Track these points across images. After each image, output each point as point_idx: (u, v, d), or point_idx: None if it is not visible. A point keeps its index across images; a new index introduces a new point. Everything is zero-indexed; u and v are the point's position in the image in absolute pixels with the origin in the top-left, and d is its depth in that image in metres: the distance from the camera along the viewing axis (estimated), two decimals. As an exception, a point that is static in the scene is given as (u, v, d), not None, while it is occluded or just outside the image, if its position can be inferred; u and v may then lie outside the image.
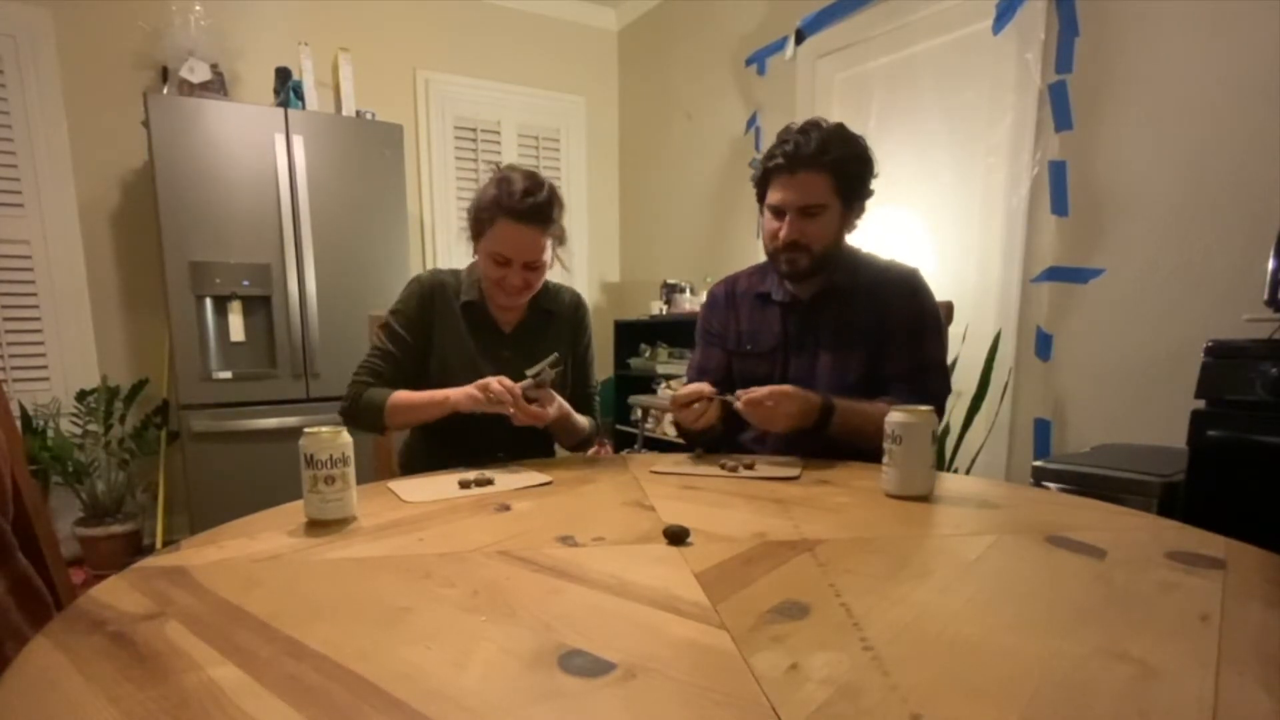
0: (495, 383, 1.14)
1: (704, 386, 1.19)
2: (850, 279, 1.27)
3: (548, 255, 1.27)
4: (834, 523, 0.81)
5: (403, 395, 1.25)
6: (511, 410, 1.14)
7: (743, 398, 1.14)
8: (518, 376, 1.18)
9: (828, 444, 1.20)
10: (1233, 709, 0.41)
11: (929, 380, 1.23)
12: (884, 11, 2.46)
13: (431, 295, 1.33)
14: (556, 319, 1.40)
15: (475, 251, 1.30)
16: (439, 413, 1.21)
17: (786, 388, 1.13)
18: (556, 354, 1.21)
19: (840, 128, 1.22)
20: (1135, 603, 0.57)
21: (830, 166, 1.18)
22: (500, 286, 1.27)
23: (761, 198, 1.28)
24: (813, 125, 1.21)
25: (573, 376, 1.42)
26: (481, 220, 1.25)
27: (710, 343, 1.42)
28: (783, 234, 1.23)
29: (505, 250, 1.23)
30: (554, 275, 1.38)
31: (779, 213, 1.23)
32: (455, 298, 1.34)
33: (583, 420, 1.37)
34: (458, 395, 1.18)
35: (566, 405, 1.27)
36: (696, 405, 1.18)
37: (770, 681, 0.45)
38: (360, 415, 1.26)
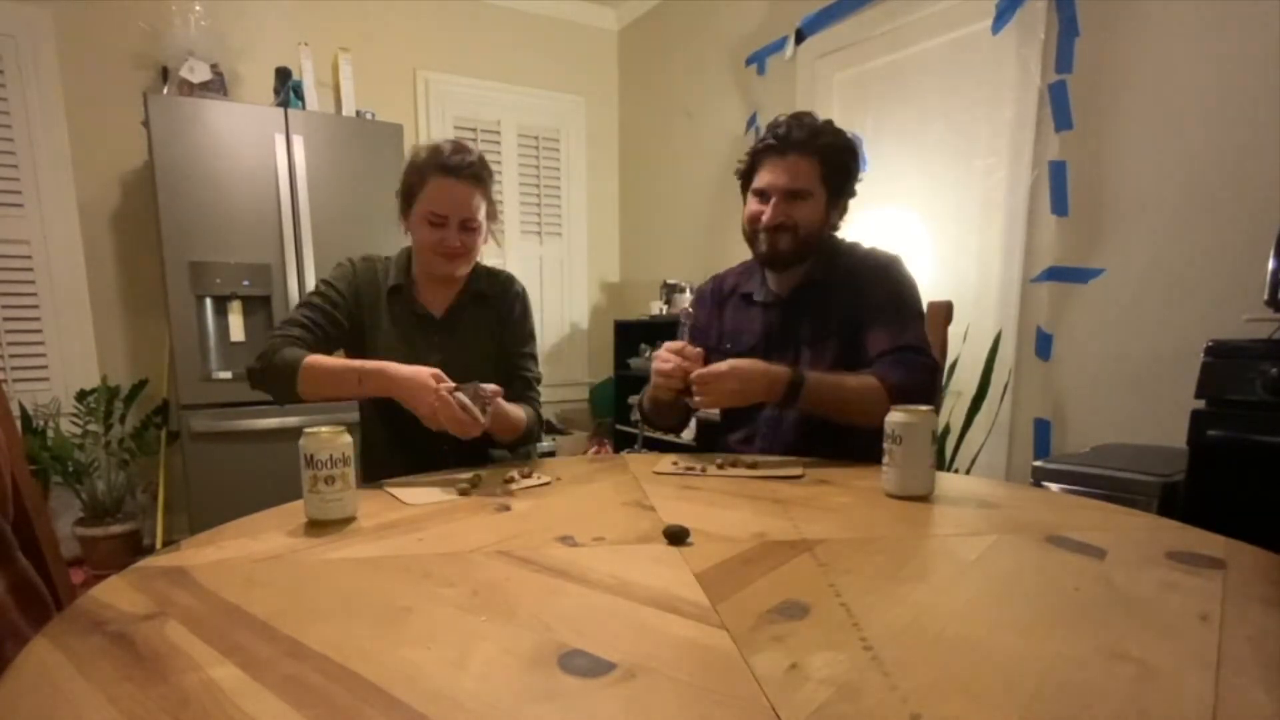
0: (453, 407, 1.03)
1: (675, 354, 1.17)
2: (828, 271, 1.27)
3: (482, 216, 1.25)
4: (834, 523, 0.81)
5: (323, 359, 1.13)
6: (463, 428, 1.04)
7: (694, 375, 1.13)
8: (451, 364, 1.11)
9: (810, 435, 1.20)
10: (1233, 709, 0.41)
11: (910, 356, 1.19)
12: (884, 11, 2.46)
13: (362, 279, 1.30)
14: (489, 301, 1.35)
15: (407, 225, 1.28)
16: (376, 388, 1.08)
17: (723, 369, 1.12)
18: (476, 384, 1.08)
19: (830, 121, 1.24)
20: (1135, 603, 0.57)
21: (821, 152, 1.20)
22: (439, 251, 1.24)
23: (746, 184, 1.29)
24: (805, 114, 1.23)
25: (507, 363, 1.34)
26: (412, 184, 1.24)
27: (694, 338, 1.40)
28: (766, 217, 1.23)
29: (441, 207, 1.21)
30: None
31: (764, 196, 1.24)
32: (383, 283, 1.30)
33: (517, 411, 1.24)
34: (414, 395, 1.05)
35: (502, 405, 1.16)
36: (674, 366, 1.16)
37: (770, 681, 0.45)
38: (270, 375, 1.13)
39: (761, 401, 1.18)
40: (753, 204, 1.27)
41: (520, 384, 1.34)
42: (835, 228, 1.29)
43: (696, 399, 1.14)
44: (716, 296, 1.42)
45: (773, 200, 1.22)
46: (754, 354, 1.30)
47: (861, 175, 1.27)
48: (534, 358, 1.40)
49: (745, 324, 1.35)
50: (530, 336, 1.40)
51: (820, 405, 1.15)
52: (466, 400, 1.04)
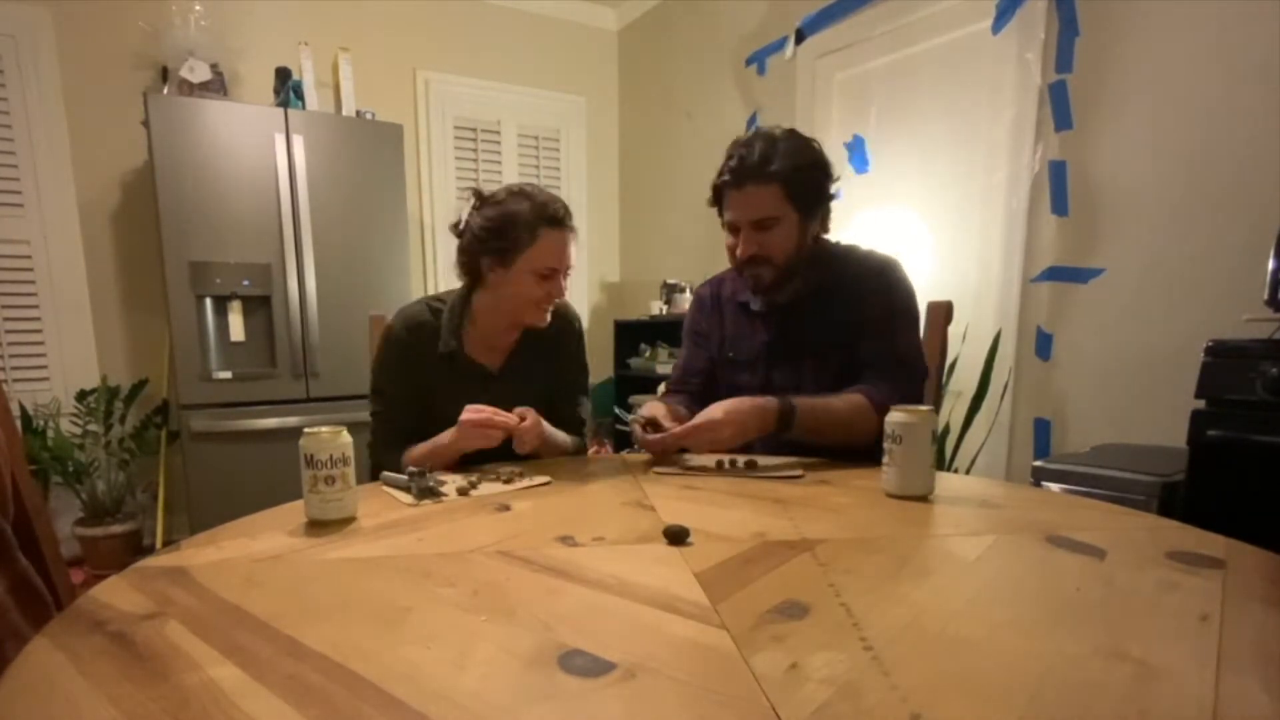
0: (475, 417, 1.10)
1: (658, 409, 1.18)
2: (826, 278, 1.25)
3: None
4: (834, 523, 0.81)
5: (414, 454, 1.19)
6: (501, 435, 1.11)
7: (662, 439, 1.12)
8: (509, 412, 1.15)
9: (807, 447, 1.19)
10: (1233, 709, 0.41)
11: (898, 369, 1.19)
12: (884, 11, 2.46)
13: (411, 349, 1.27)
14: (544, 342, 1.33)
15: (492, 277, 1.22)
16: (454, 457, 1.16)
17: (709, 418, 1.10)
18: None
19: (789, 135, 1.19)
20: (1135, 603, 0.57)
21: (777, 177, 1.15)
22: (545, 304, 1.23)
23: (721, 214, 1.26)
24: (758, 136, 1.18)
25: (559, 395, 1.35)
26: (519, 239, 1.18)
27: (697, 343, 1.41)
28: (739, 251, 1.21)
29: (555, 260, 1.19)
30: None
31: (734, 228, 1.22)
32: (433, 347, 1.26)
33: (564, 437, 1.30)
34: (460, 441, 1.13)
35: (546, 425, 1.22)
36: (658, 434, 1.15)
37: (770, 681, 0.45)
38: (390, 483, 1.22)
39: (756, 435, 1.15)
40: (728, 237, 1.25)
41: (572, 423, 1.35)
42: (825, 229, 1.26)
43: (688, 456, 1.12)
44: (715, 301, 1.40)
45: (741, 233, 1.20)
46: (757, 363, 1.30)
47: (838, 176, 1.23)
48: (586, 393, 1.42)
49: (746, 332, 1.33)
50: (584, 371, 1.42)
51: (813, 431, 1.14)
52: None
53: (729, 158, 1.20)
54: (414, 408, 1.27)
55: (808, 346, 1.26)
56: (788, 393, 1.16)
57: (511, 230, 1.19)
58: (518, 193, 1.20)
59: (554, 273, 1.21)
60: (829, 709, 0.42)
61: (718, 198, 1.24)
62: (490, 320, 1.28)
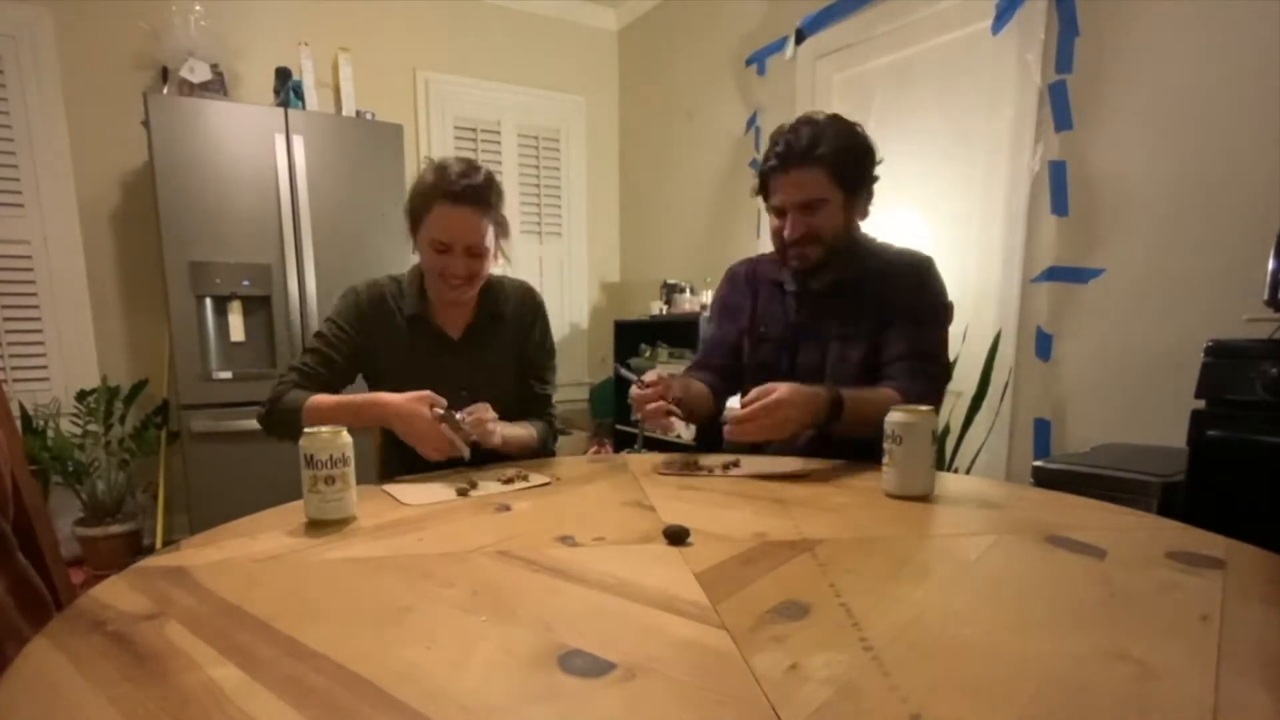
0: (437, 435, 1.05)
1: (661, 384, 1.14)
2: (860, 269, 1.27)
3: (489, 241, 1.22)
4: (834, 523, 0.81)
5: (323, 398, 1.14)
6: (441, 450, 1.06)
7: (730, 420, 1.06)
8: (471, 384, 1.13)
9: (831, 441, 1.19)
10: (1233, 709, 0.41)
11: (926, 366, 1.21)
12: (884, 11, 2.46)
13: (369, 310, 1.27)
14: (505, 321, 1.34)
15: (415, 247, 1.25)
16: (371, 419, 1.11)
17: (781, 395, 1.04)
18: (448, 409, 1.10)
19: (834, 119, 1.22)
20: (1135, 603, 0.57)
21: (824, 159, 1.18)
22: (444, 278, 1.21)
23: (767, 200, 1.29)
24: (805, 121, 1.21)
25: (526, 380, 1.36)
26: (417, 209, 1.20)
27: (726, 316, 1.42)
28: (787, 232, 1.23)
29: (444, 235, 1.18)
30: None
31: (781, 212, 1.25)
32: (397, 310, 1.27)
33: (526, 431, 1.27)
34: (397, 423, 1.07)
35: (507, 430, 1.18)
36: (655, 406, 1.13)
37: (770, 681, 0.45)
38: (276, 420, 1.15)
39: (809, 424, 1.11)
40: (773, 221, 1.27)
41: (537, 402, 1.36)
42: (866, 214, 1.28)
43: (740, 428, 1.05)
44: (750, 279, 1.41)
45: (789, 216, 1.23)
46: (783, 343, 1.32)
47: (881, 159, 1.24)
48: (553, 372, 1.41)
49: (778, 311, 1.36)
50: (550, 353, 1.41)
51: (856, 424, 1.11)
52: (448, 431, 1.06)
53: (774, 144, 1.22)
54: (351, 362, 1.26)
55: (834, 330, 1.28)
56: (809, 373, 1.18)
57: (414, 200, 1.21)
58: (435, 165, 1.20)
59: (446, 248, 1.19)
60: (829, 709, 0.42)
61: (764, 184, 1.27)
62: (432, 292, 1.29)
